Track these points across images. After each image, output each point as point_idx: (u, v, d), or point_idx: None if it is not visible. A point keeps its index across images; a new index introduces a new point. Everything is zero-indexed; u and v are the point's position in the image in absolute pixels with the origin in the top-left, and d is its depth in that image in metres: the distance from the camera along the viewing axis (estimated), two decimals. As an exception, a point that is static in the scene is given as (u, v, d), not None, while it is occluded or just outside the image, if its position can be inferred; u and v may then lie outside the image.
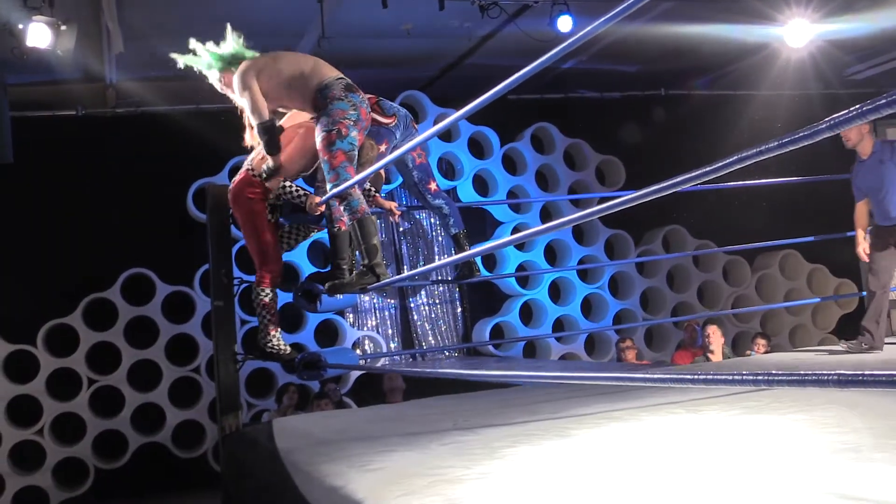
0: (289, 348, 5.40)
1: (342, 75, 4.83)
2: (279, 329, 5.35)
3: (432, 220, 10.14)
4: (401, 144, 5.28)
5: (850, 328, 10.19)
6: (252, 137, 5.05)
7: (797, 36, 8.28)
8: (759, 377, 1.98)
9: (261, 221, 5.15)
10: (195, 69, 4.99)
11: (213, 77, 5.00)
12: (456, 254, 5.33)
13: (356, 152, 4.73)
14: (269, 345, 5.27)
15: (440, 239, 10.27)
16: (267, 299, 5.22)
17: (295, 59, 4.91)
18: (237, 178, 5.22)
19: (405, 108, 5.51)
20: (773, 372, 1.99)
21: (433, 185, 5.41)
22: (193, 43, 4.90)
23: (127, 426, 8.73)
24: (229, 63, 4.88)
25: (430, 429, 4.14)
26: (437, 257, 10.05)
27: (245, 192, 5.13)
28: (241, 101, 4.80)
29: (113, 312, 8.85)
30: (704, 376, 2.27)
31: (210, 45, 4.90)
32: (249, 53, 4.87)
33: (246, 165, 5.21)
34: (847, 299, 10.36)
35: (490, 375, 4.83)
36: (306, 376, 5.61)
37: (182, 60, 4.93)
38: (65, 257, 8.86)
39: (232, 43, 4.87)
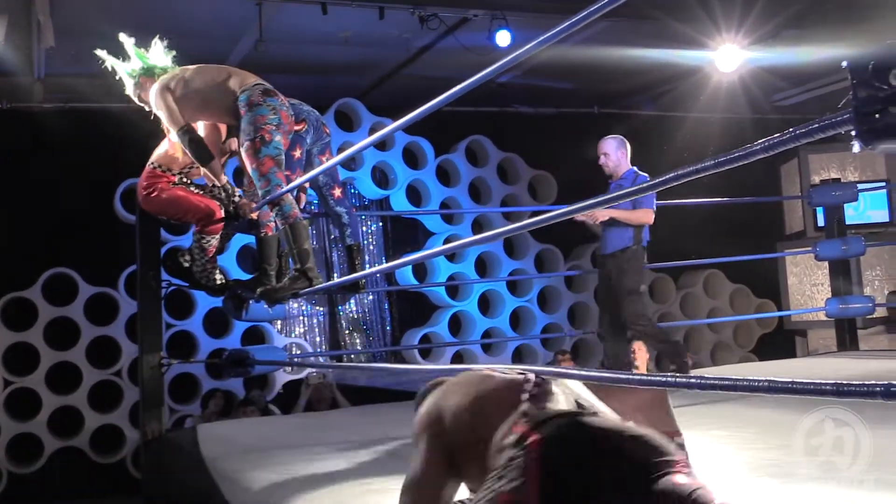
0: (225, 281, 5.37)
1: (260, 80, 4.81)
2: (217, 267, 5.29)
3: (363, 227, 10.12)
4: (313, 148, 5.27)
5: (769, 347, 10.50)
6: (172, 147, 5.01)
7: (727, 61, 8.47)
8: (693, 381, 2.04)
9: (178, 198, 5.08)
10: (116, 72, 4.95)
11: (130, 84, 4.97)
12: (347, 265, 5.33)
13: (283, 157, 4.73)
14: (212, 282, 5.23)
15: (371, 248, 10.24)
16: (206, 245, 5.13)
17: (210, 71, 4.89)
18: (142, 179, 5.16)
19: (316, 111, 5.43)
20: (705, 376, 2.05)
21: (337, 192, 5.37)
22: (125, 41, 4.85)
23: (43, 430, 8.48)
24: (150, 72, 4.87)
25: (358, 437, 4.14)
26: (367, 265, 10.00)
27: (154, 186, 5.08)
28: (158, 112, 4.78)
29: (33, 312, 8.60)
30: (640, 377, 2.32)
31: (142, 50, 4.89)
32: (171, 68, 4.86)
33: (148, 165, 5.18)
34: (766, 319, 10.66)
35: (416, 370, 4.84)
36: (233, 374, 5.53)
37: (109, 61, 4.90)
38: (-17, 255, 8.60)
39: (160, 55, 4.87)
